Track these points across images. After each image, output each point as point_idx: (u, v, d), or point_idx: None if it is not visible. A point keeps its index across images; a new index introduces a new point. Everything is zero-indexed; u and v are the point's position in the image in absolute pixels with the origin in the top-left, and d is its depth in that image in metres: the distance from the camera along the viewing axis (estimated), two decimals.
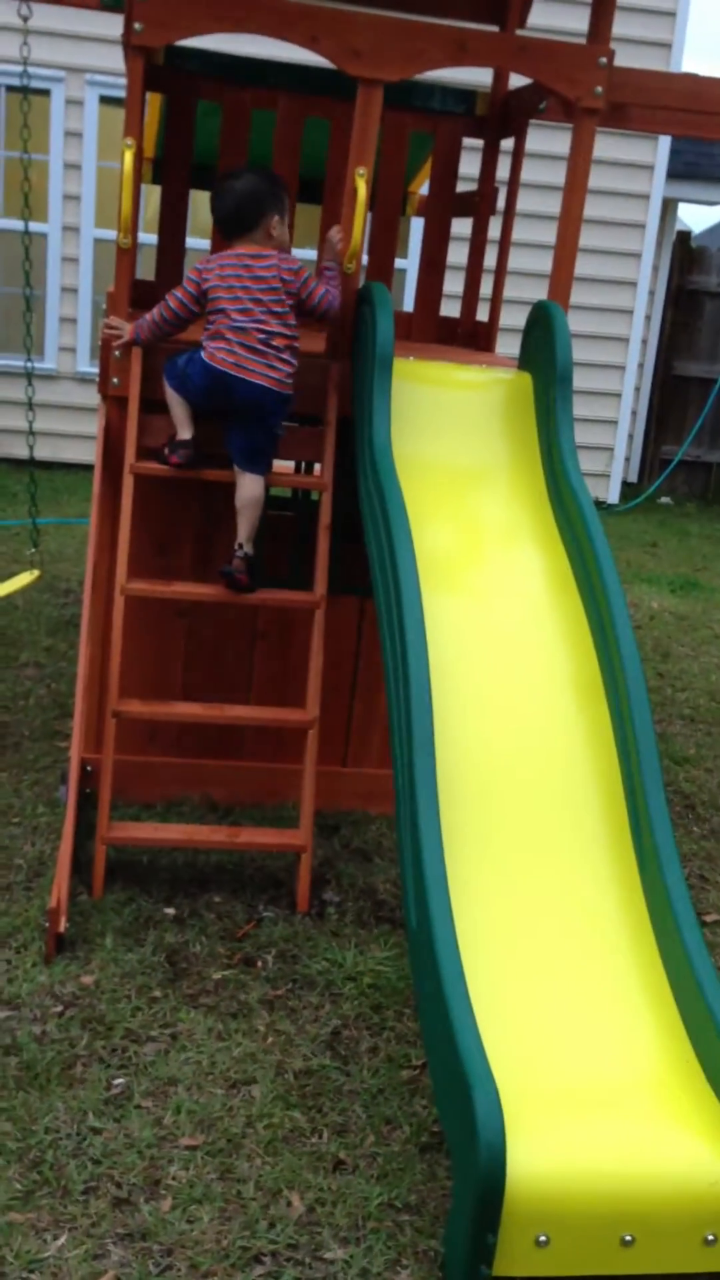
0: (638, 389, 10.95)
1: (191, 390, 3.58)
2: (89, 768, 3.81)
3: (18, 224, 5.28)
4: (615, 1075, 2.51)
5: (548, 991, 2.63)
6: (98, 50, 8.16)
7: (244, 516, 3.64)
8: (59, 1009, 2.94)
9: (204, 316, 3.59)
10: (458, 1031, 2.33)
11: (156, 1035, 2.90)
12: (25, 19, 3.99)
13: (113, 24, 3.89)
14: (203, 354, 3.53)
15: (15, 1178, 2.43)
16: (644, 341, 10.80)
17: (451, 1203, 2.30)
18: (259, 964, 3.22)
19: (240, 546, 3.63)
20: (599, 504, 10.13)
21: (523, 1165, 2.21)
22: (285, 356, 3.54)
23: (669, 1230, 2.29)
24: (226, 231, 3.65)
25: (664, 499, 10.98)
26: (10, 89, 8.41)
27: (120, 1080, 2.73)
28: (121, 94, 3.58)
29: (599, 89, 3.59)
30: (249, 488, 3.62)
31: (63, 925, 3.17)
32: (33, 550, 4.98)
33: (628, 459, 11.16)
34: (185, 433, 3.62)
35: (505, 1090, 2.28)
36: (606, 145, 8.41)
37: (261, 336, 3.50)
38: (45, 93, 8.57)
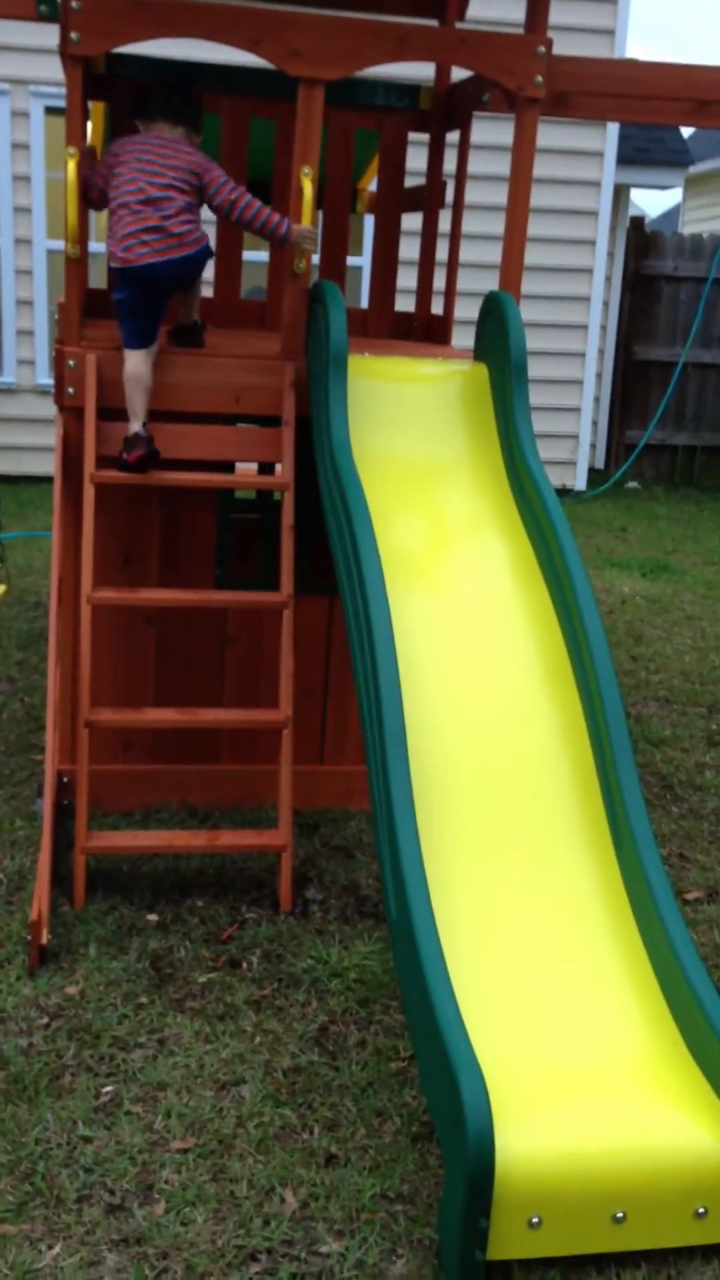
0: (599, 375, 11.00)
1: (126, 310, 3.59)
2: (65, 779, 3.81)
3: None
4: (601, 1055, 2.53)
5: (531, 976, 2.65)
6: (41, 61, 8.13)
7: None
8: (45, 1021, 2.94)
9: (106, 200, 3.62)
10: (441, 1019, 2.35)
11: (144, 1041, 2.90)
12: None
13: (53, 33, 3.88)
14: (111, 264, 3.59)
15: (7, 1190, 2.43)
16: (603, 328, 10.85)
17: (443, 1191, 2.31)
18: (244, 965, 3.23)
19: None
20: (566, 491, 10.17)
21: (512, 1149, 2.23)
22: (181, 220, 3.54)
23: (660, 1206, 2.31)
24: (159, 111, 3.62)
25: (631, 484, 11.03)
26: None
27: (109, 1088, 2.73)
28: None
29: (539, 78, 3.61)
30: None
31: (45, 938, 3.16)
32: None
33: (593, 445, 11.22)
34: (137, 423, 3.62)
35: (491, 1075, 2.29)
36: (555, 134, 8.45)
37: (156, 211, 3.51)
38: None
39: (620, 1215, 2.28)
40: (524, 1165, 2.23)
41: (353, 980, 3.18)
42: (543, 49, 3.61)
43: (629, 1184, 2.29)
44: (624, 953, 2.70)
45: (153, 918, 3.41)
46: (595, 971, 2.68)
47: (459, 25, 4.35)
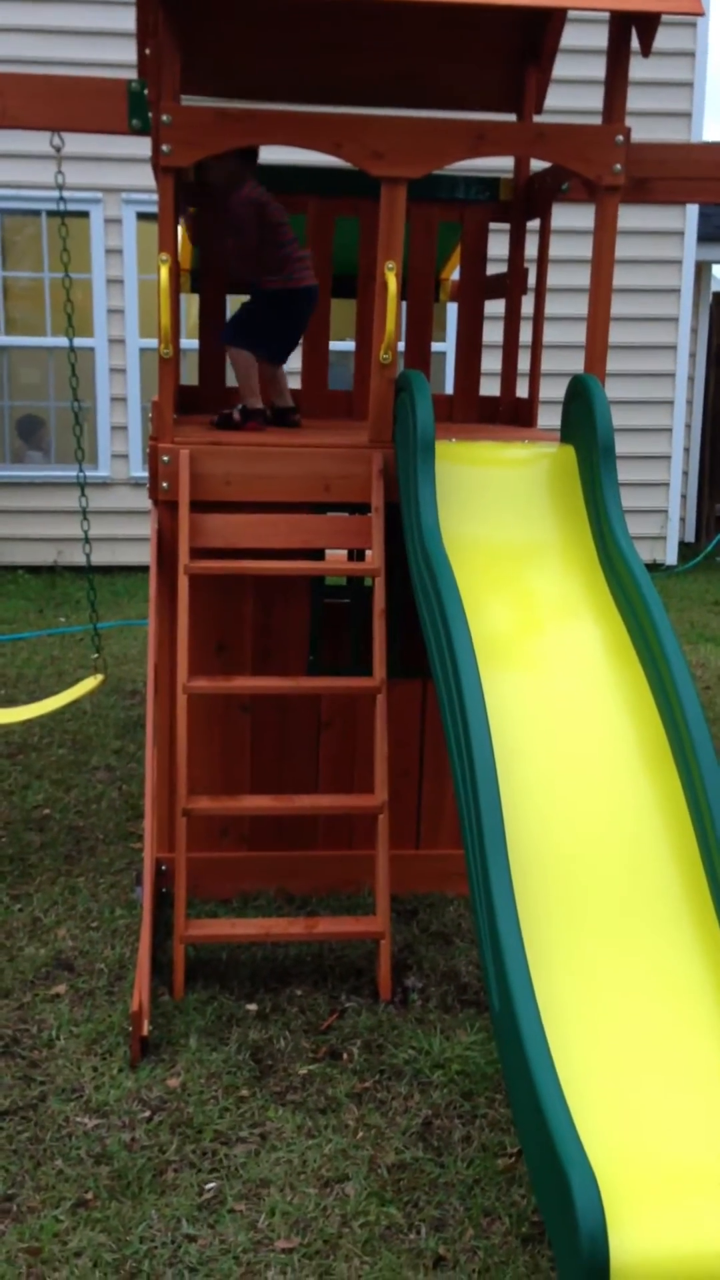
0: (686, 449, 10.95)
1: (265, 329, 4.12)
2: (164, 867, 3.83)
3: (66, 341, 5.47)
4: (716, 1151, 2.43)
5: (640, 1067, 2.56)
6: (132, 170, 8.46)
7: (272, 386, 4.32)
8: (147, 1114, 2.93)
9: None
10: (549, 1114, 2.28)
11: (246, 1136, 2.87)
12: (58, 149, 4.17)
13: (144, 144, 4.05)
14: (275, 285, 4.10)
15: None
16: (689, 402, 10.83)
17: None
18: (345, 1056, 3.19)
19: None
20: (656, 566, 10.09)
21: (627, 1253, 2.14)
22: None
23: None
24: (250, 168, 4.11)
25: None
26: (51, 213, 8.75)
27: (212, 1184, 2.70)
28: (156, 210, 3.71)
29: (618, 167, 3.66)
30: (275, 371, 4.30)
31: (146, 1028, 3.16)
32: (95, 656, 5.06)
33: (683, 519, 11.13)
34: (257, 401, 4.08)
35: (604, 1175, 2.22)
36: (635, 215, 8.54)
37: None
38: (85, 214, 8.89)
39: None
40: (640, 1269, 2.14)
41: (455, 1072, 3.11)
42: (621, 138, 3.67)
43: None
44: None
45: (252, 1007, 3.39)
46: (707, 1063, 2.58)
47: (536, 117, 4.44)
